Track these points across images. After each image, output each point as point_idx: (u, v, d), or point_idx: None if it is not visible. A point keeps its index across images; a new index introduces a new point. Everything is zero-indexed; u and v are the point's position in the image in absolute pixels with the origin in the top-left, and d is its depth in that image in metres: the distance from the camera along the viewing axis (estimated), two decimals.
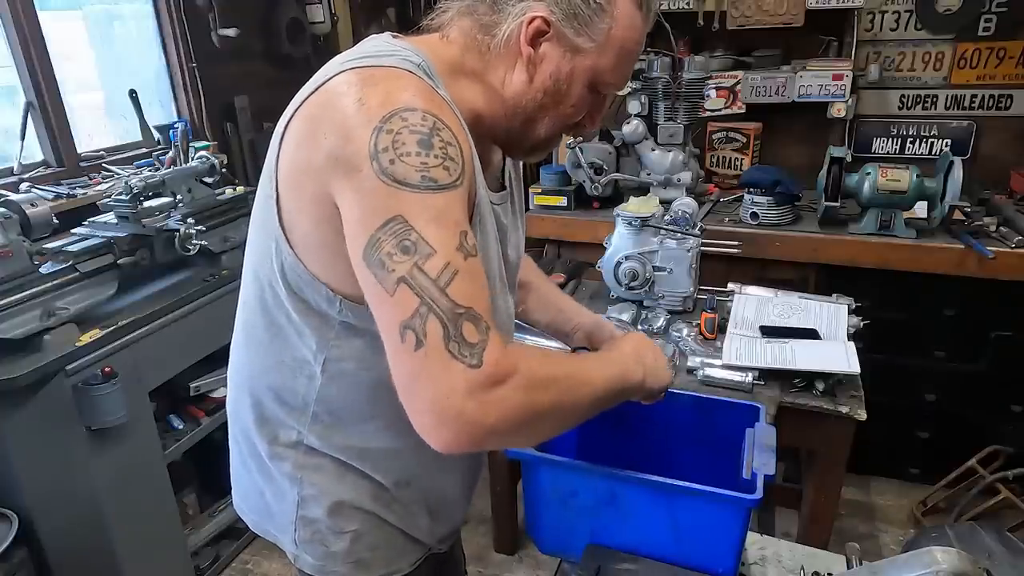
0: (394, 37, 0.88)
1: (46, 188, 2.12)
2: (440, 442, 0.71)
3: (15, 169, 2.15)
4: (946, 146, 2.72)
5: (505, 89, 0.88)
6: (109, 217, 1.96)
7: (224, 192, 2.32)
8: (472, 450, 0.75)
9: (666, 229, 1.95)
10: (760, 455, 1.04)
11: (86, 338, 1.74)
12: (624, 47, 0.86)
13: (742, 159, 2.88)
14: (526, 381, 0.73)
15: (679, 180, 2.59)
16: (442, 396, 0.69)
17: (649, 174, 2.63)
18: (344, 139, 0.74)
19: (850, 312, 1.83)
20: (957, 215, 2.27)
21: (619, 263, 1.97)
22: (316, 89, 0.81)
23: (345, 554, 1.00)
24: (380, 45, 0.85)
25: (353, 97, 0.76)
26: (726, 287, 2.00)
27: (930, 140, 2.79)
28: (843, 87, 2.54)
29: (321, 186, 0.77)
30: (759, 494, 0.96)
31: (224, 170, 2.29)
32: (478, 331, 0.70)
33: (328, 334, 0.88)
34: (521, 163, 1.11)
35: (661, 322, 1.89)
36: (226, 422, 2.38)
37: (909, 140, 2.82)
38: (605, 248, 2.02)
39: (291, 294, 0.87)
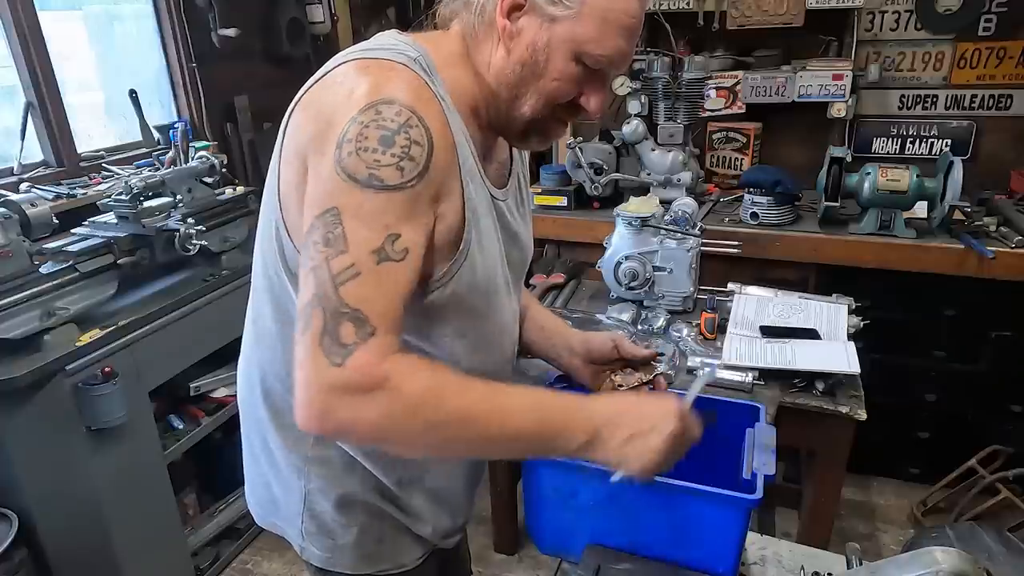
0: (400, 33, 0.89)
1: (46, 188, 2.12)
2: (297, 420, 0.75)
3: (15, 169, 2.15)
4: (946, 146, 2.72)
5: (489, 69, 0.87)
6: (109, 217, 1.96)
7: (224, 192, 2.32)
8: (324, 436, 0.84)
9: (666, 229, 1.95)
10: (760, 455, 1.04)
11: (86, 338, 1.75)
12: (607, 17, 0.82)
13: (742, 159, 2.88)
14: (386, 401, 0.73)
15: (679, 180, 2.59)
16: (304, 382, 0.73)
17: (649, 174, 2.63)
18: (327, 123, 0.78)
19: (850, 312, 1.83)
20: (957, 215, 2.27)
21: (619, 263, 1.97)
22: (317, 81, 0.84)
23: (351, 547, 1.01)
24: (382, 40, 0.87)
25: (345, 86, 0.79)
26: (726, 287, 2.00)
27: (930, 140, 2.79)
28: (843, 87, 2.54)
29: (303, 165, 0.81)
30: (759, 494, 0.96)
31: (224, 170, 2.29)
32: (357, 334, 0.72)
33: None
34: (527, 161, 1.11)
35: (661, 322, 1.89)
36: (226, 422, 2.38)
37: (909, 140, 2.82)
38: (605, 248, 2.02)
39: (293, 282, 0.88)
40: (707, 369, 0.93)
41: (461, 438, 0.79)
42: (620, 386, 1.14)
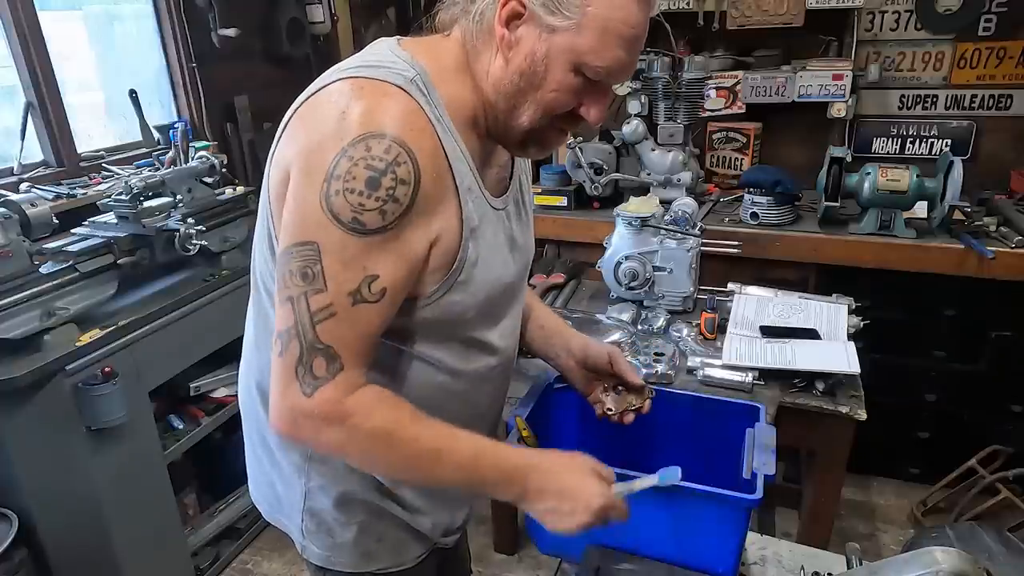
0: (399, 42, 0.89)
1: (46, 188, 2.12)
2: (270, 422, 0.85)
3: (15, 169, 2.15)
4: (946, 146, 2.72)
5: (488, 77, 0.87)
6: (109, 217, 1.95)
7: (224, 192, 2.32)
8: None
9: (666, 229, 1.95)
10: (760, 455, 1.05)
11: (86, 338, 1.75)
12: (608, 27, 0.80)
13: (742, 159, 2.88)
14: (346, 434, 0.82)
15: (679, 180, 2.59)
16: (277, 400, 0.83)
17: (649, 174, 2.63)
18: (316, 145, 0.79)
19: (850, 312, 1.83)
20: (957, 215, 2.27)
21: (619, 263, 1.97)
22: (313, 94, 0.84)
23: (351, 545, 1.01)
24: (381, 53, 0.86)
25: (338, 107, 0.79)
26: (726, 287, 2.00)
27: (930, 140, 2.79)
28: (843, 87, 2.54)
29: (287, 176, 0.82)
30: (759, 494, 0.96)
31: (224, 170, 2.29)
32: (327, 370, 0.80)
33: None
34: (528, 163, 1.11)
35: (661, 322, 1.89)
36: (226, 422, 2.38)
37: (909, 140, 2.82)
38: (605, 248, 2.02)
39: None
40: (665, 473, 0.97)
41: (407, 474, 0.93)
42: (609, 410, 1.17)
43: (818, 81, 2.57)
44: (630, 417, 1.17)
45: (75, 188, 2.16)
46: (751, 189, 2.48)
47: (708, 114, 2.79)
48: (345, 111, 0.78)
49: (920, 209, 2.36)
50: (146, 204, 1.96)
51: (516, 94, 0.85)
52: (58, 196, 2.09)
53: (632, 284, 1.96)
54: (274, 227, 0.87)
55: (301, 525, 1.02)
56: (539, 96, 0.85)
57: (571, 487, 0.90)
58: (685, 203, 2.08)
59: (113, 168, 2.36)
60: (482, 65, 0.87)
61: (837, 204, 2.34)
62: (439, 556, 1.12)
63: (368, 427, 0.82)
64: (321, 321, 0.79)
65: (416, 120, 0.80)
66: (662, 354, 1.72)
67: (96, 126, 2.51)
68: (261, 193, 0.90)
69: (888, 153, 2.85)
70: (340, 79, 0.82)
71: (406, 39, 0.90)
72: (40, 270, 1.76)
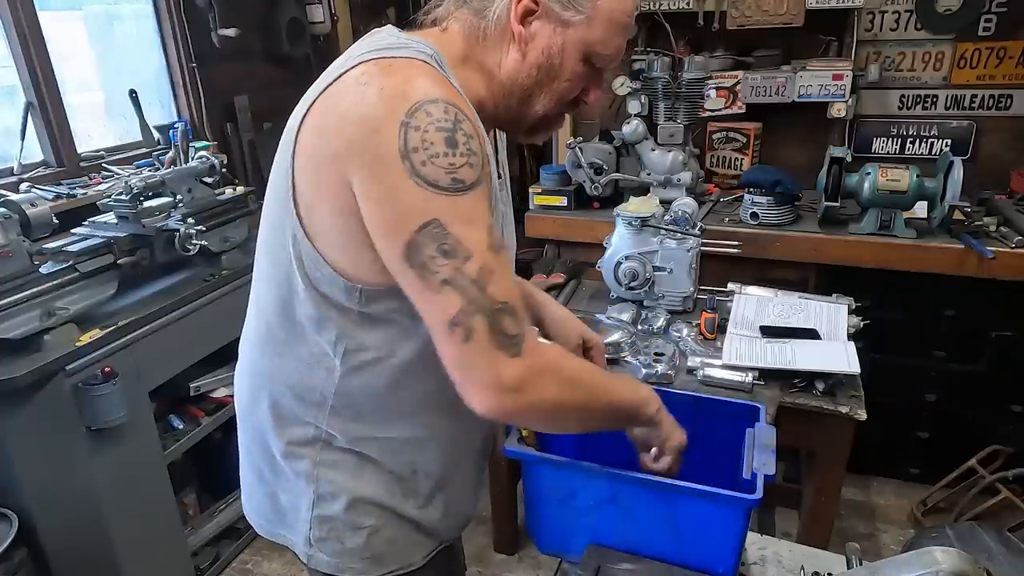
0: (401, 32, 0.90)
1: (46, 188, 2.12)
2: (485, 414, 0.82)
3: (15, 169, 2.15)
4: (946, 146, 2.72)
5: (501, 70, 0.90)
6: (109, 217, 1.96)
7: (224, 192, 2.32)
8: (507, 421, 0.97)
9: (666, 229, 1.95)
10: (760, 455, 1.05)
11: (86, 338, 1.75)
12: (613, 18, 0.88)
13: (742, 159, 2.88)
14: (560, 376, 0.85)
15: (679, 180, 2.59)
16: (488, 382, 0.79)
17: (649, 174, 2.63)
18: (370, 130, 0.76)
19: (850, 312, 1.83)
20: (957, 215, 2.27)
21: (619, 263, 1.97)
22: (334, 81, 0.82)
23: (361, 550, 1.00)
24: (390, 38, 0.87)
25: (374, 87, 0.78)
26: (726, 287, 2.00)
27: (930, 140, 2.79)
28: (843, 87, 2.54)
29: (341, 175, 0.79)
30: (759, 494, 0.96)
31: (224, 170, 2.29)
32: (516, 324, 0.79)
33: (347, 325, 0.88)
34: (505, 152, 1.13)
35: (661, 322, 1.89)
36: (226, 422, 2.37)
37: (909, 140, 2.82)
38: (605, 248, 2.02)
39: (309, 287, 0.87)
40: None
41: (595, 411, 0.95)
42: None
43: (818, 81, 2.57)
44: None
45: (75, 188, 2.16)
46: (751, 189, 2.48)
47: (708, 114, 2.79)
48: (382, 88, 0.77)
49: (920, 209, 2.36)
50: (146, 204, 1.96)
51: (533, 86, 0.90)
52: (58, 196, 2.09)
53: (632, 284, 1.96)
54: (305, 228, 0.84)
55: (308, 534, 1.00)
56: (555, 86, 0.91)
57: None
58: (685, 203, 2.08)
59: (113, 168, 2.36)
60: (493, 59, 0.90)
61: (837, 204, 2.34)
62: (445, 553, 1.12)
63: (567, 364, 0.88)
64: (487, 284, 0.78)
65: (451, 86, 0.82)
66: (662, 354, 1.72)
67: (96, 126, 2.51)
68: (272, 193, 0.88)
69: (888, 153, 2.85)
70: (361, 63, 0.81)
71: (405, 31, 0.91)
72: (40, 270, 1.76)
